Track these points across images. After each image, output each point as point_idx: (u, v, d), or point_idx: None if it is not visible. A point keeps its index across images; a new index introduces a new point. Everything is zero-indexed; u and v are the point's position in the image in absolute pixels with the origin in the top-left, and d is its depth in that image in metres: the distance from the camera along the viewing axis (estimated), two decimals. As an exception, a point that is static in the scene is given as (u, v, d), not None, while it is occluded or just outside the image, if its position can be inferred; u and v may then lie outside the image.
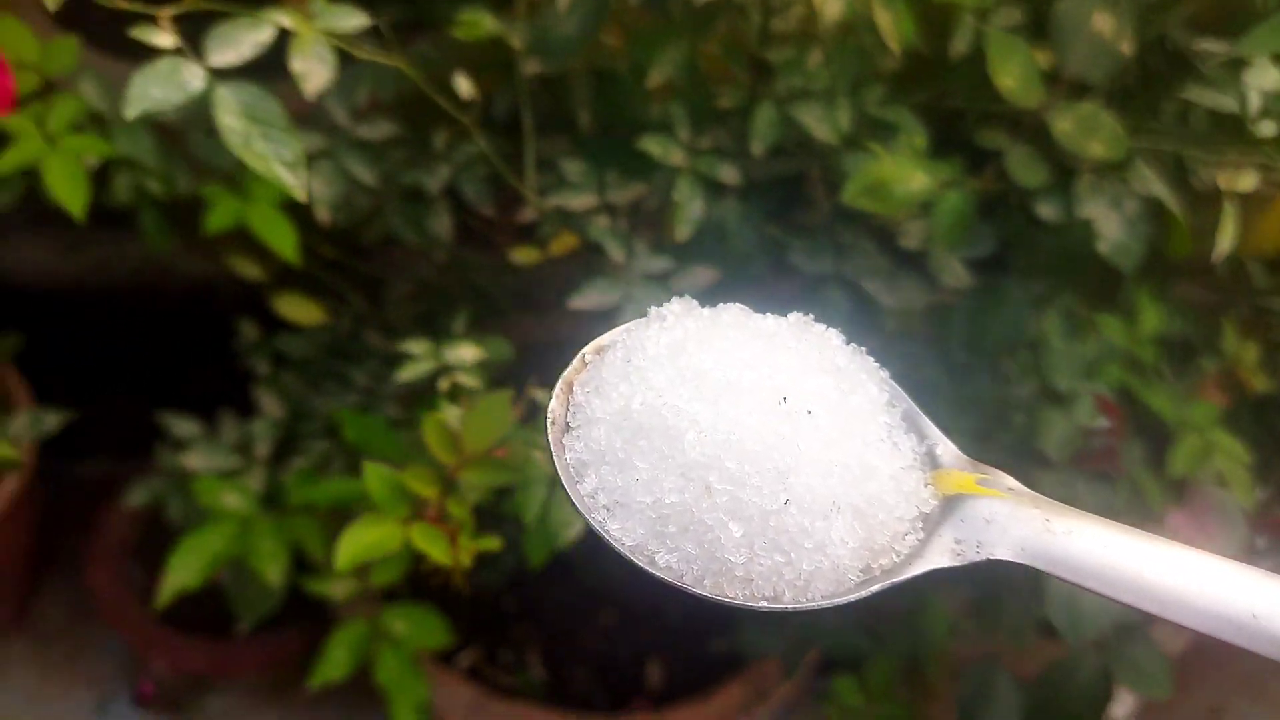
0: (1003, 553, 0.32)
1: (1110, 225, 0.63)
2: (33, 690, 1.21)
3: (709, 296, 0.40)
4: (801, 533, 0.33)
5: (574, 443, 0.36)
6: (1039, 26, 0.67)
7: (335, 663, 0.71)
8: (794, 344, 0.37)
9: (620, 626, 1.19)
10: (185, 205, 0.80)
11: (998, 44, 0.63)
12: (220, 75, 0.52)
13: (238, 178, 0.79)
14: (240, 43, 0.50)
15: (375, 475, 0.49)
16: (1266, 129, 0.58)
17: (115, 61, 0.84)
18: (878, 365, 0.38)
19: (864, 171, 0.63)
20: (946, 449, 0.37)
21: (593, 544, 0.36)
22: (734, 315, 0.38)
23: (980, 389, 0.69)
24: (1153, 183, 0.64)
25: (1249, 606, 0.29)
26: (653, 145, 0.69)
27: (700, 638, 1.15)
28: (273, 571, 0.72)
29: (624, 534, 0.34)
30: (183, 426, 0.86)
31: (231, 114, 0.49)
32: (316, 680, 0.72)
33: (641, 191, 0.71)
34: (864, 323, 0.74)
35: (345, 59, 0.56)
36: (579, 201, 0.71)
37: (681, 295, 0.39)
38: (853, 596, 0.34)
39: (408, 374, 0.61)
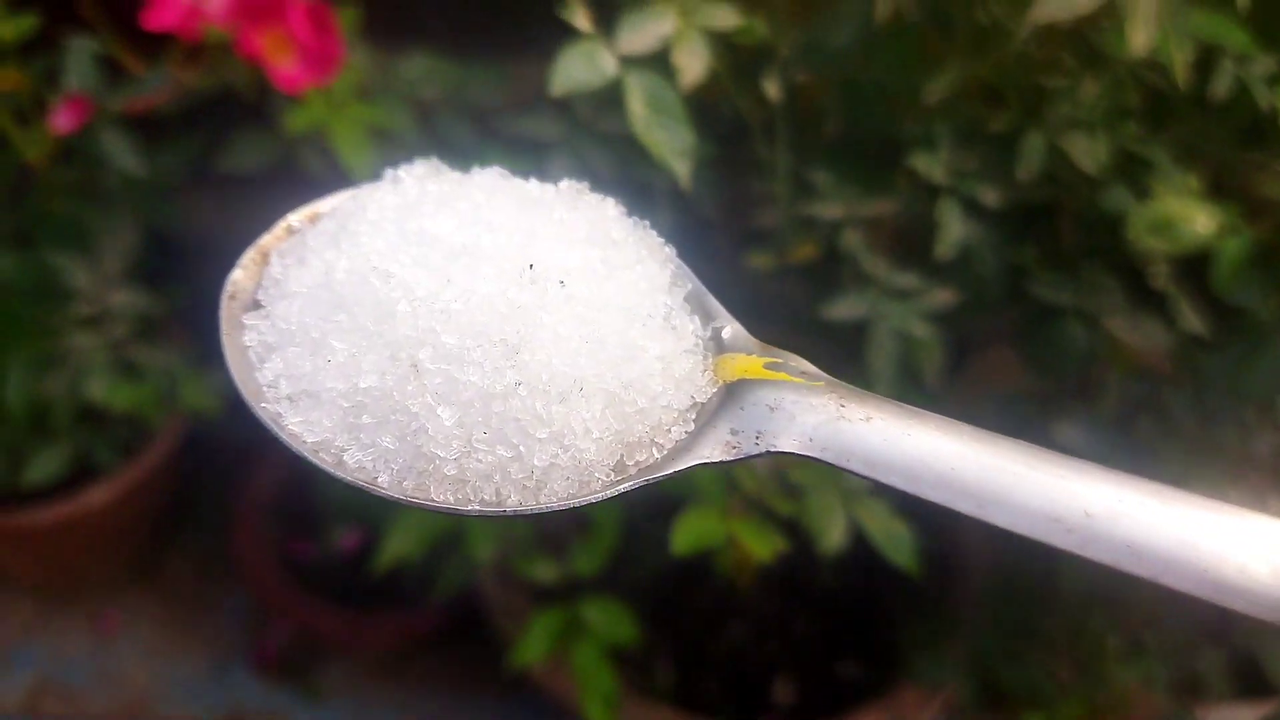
0: (787, 443, 0.28)
1: None
2: (154, 646, 1.22)
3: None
4: (534, 420, 0.28)
5: (258, 322, 0.30)
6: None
7: (533, 647, 0.72)
8: (560, 213, 0.32)
9: (751, 639, 1.18)
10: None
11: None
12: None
13: (472, 159, 0.79)
14: (647, 32, 0.51)
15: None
16: None
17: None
18: (663, 242, 0.34)
19: (1150, 208, 0.63)
20: (735, 331, 0.32)
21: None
22: (489, 178, 0.33)
23: (1225, 437, 0.68)
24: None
25: (1083, 505, 0.24)
26: (919, 161, 0.69)
27: (832, 657, 1.15)
28: (484, 550, 0.73)
29: (306, 429, 0.28)
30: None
31: (639, 101, 0.50)
32: (516, 660, 0.72)
33: (888, 207, 0.71)
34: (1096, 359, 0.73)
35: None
36: (830, 210, 0.71)
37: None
38: (595, 498, 0.28)
39: None
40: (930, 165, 0.69)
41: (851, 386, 0.29)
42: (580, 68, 0.49)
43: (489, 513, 0.28)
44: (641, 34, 0.51)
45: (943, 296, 0.72)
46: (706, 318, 0.33)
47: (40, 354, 0.81)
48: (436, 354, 0.27)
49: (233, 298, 0.30)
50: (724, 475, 0.48)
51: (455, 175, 0.33)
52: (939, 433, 0.26)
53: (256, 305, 0.31)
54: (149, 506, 1.17)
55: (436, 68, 0.76)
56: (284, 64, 0.58)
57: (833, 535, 0.58)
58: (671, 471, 0.29)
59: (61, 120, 0.68)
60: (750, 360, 0.31)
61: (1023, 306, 0.74)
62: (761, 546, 0.48)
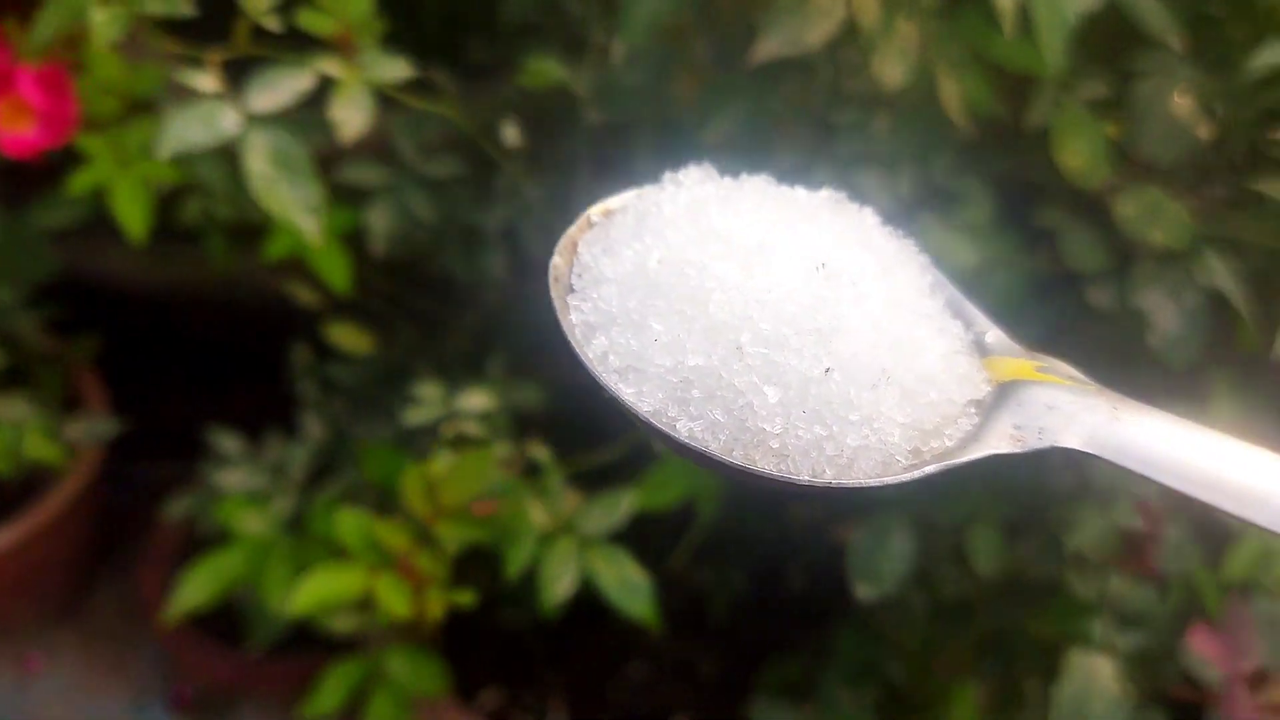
0: (1069, 440, 0.30)
1: (1165, 317, 0.60)
2: (74, 683, 1.23)
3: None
4: (846, 404, 0.30)
5: (580, 303, 0.33)
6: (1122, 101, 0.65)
7: (327, 697, 0.71)
8: (827, 218, 0.34)
9: (649, 681, 1.17)
10: (254, 228, 0.82)
11: (1065, 120, 0.61)
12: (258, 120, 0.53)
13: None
14: (280, 88, 0.51)
15: (349, 521, 0.49)
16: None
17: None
18: (918, 249, 0.36)
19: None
20: (997, 336, 0.35)
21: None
22: (759, 183, 0.36)
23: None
24: (1219, 275, 0.61)
25: None
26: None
27: (733, 699, 1.13)
28: (278, 599, 0.72)
29: (640, 399, 0.31)
30: (226, 442, 0.88)
31: (261, 158, 0.50)
32: (308, 712, 0.72)
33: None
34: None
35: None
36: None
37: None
38: (905, 477, 0.30)
39: (414, 419, 0.61)
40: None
41: (1116, 393, 0.31)
42: (194, 128, 0.50)
43: (815, 484, 0.30)
44: (274, 91, 0.52)
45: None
46: (966, 323, 0.35)
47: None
48: (756, 338, 0.30)
49: (556, 280, 0.33)
50: (369, 535, 0.47)
51: (727, 180, 0.35)
52: (1206, 437, 0.28)
53: (571, 289, 0.33)
54: (62, 547, 1.20)
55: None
56: (17, 130, 0.60)
57: (560, 586, 0.57)
58: (967, 459, 0.30)
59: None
60: (1020, 363, 0.33)
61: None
62: (402, 606, 0.47)
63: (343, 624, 0.75)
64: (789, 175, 0.70)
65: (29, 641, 1.24)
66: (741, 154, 0.70)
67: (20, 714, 1.19)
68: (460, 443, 0.60)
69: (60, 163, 0.76)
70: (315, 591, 0.47)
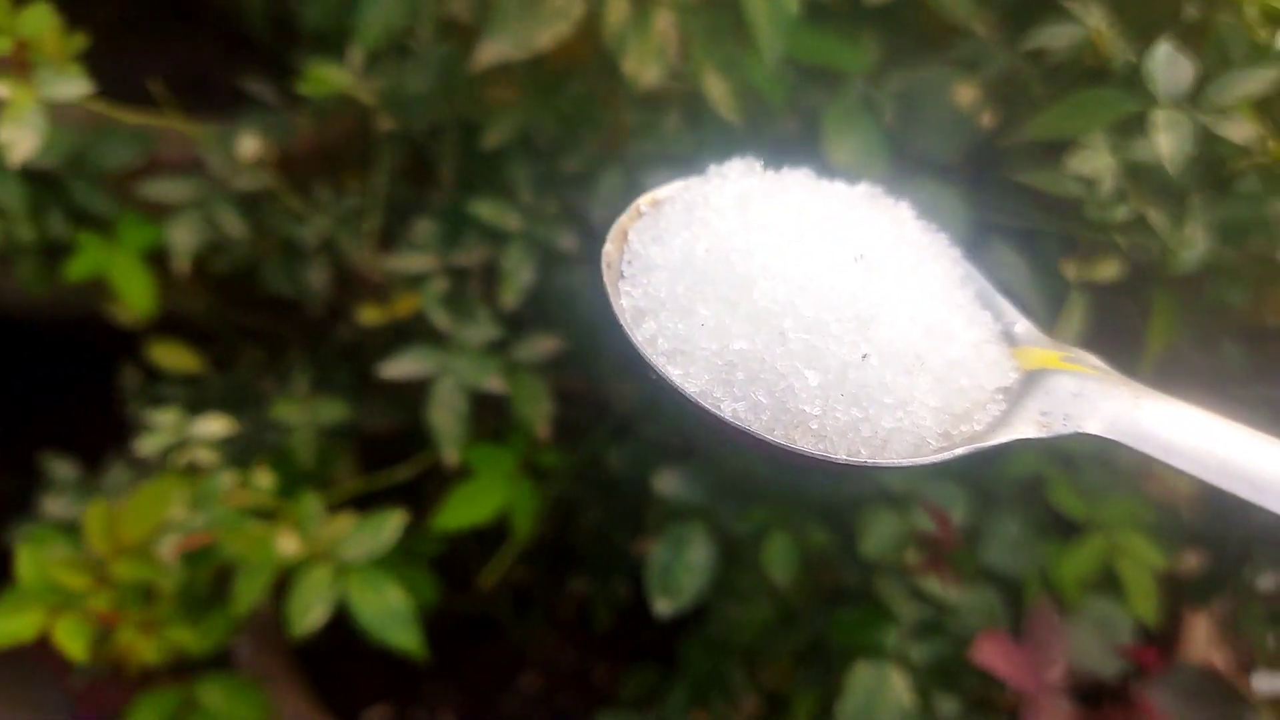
0: (1092, 426, 0.31)
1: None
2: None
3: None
4: (881, 388, 0.31)
5: (630, 289, 0.35)
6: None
7: (140, 729, 0.69)
8: (864, 211, 0.36)
9: (542, 692, 1.15)
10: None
11: (835, 112, 0.59)
12: None
13: (112, 225, 0.79)
14: None
15: (28, 559, 0.46)
16: (1119, 214, 0.53)
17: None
18: (950, 242, 0.37)
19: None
20: (1024, 327, 0.36)
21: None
22: (801, 176, 0.37)
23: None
24: (1008, 267, 0.59)
25: None
26: (484, 208, 0.66)
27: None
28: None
29: (686, 380, 0.33)
30: (59, 467, 0.86)
31: None
32: (116, 746, 0.70)
33: (486, 255, 0.68)
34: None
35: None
36: (416, 263, 0.69)
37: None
38: (936, 458, 0.32)
39: (146, 448, 0.59)
40: (500, 211, 0.66)
41: (1138, 384, 0.32)
42: None
43: (852, 462, 0.31)
44: None
45: (546, 345, 0.69)
46: (996, 314, 0.36)
47: None
48: (798, 324, 0.31)
49: (608, 267, 0.35)
50: (47, 573, 0.45)
51: (770, 173, 0.37)
52: (1224, 427, 0.30)
53: (622, 275, 0.35)
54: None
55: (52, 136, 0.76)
56: None
57: (311, 617, 0.55)
58: (995, 443, 0.32)
59: None
60: (1047, 352, 0.34)
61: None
62: (79, 649, 0.45)
63: (149, 655, 0.73)
64: (577, 181, 0.68)
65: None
66: (532, 158, 0.68)
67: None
68: (190, 471, 0.58)
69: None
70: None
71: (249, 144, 0.67)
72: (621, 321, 0.34)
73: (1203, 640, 1.10)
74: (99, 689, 1.06)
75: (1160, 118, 0.44)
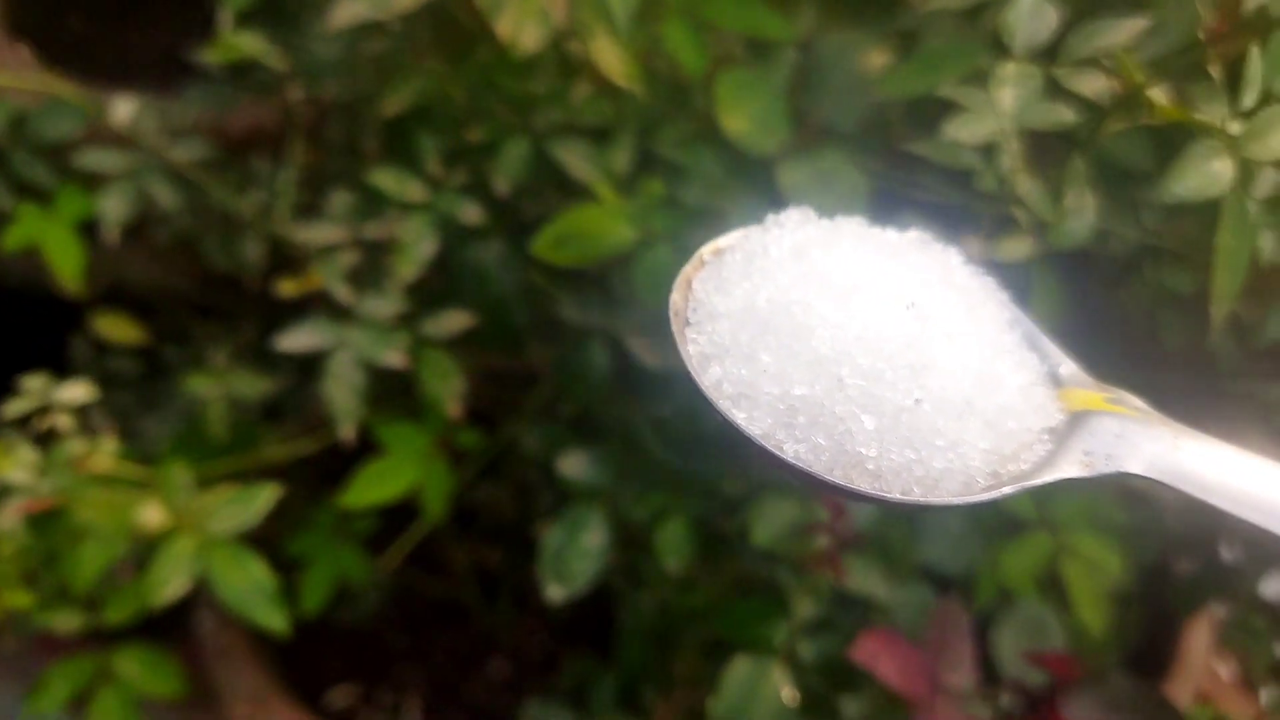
0: (1134, 466, 0.32)
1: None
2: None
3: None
4: (934, 431, 0.33)
5: (696, 335, 0.36)
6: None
7: (50, 696, 0.69)
8: (915, 258, 0.37)
9: (510, 678, 1.14)
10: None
11: (730, 80, 0.56)
12: None
13: (50, 196, 0.79)
14: None
15: None
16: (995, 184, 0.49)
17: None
18: (997, 286, 0.38)
19: (562, 220, 0.57)
20: (1070, 369, 0.37)
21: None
22: (854, 226, 0.38)
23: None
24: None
25: None
26: (384, 179, 0.64)
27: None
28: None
29: (751, 423, 0.34)
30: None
31: None
32: (29, 711, 0.70)
33: (391, 229, 0.66)
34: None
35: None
36: (325, 235, 0.67)
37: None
38: (984, 497, 0.33)
39: (11, 411, 0.58)
40: (401, 182, 0.64)
41: (1179, 424, 0.33)
42: None
43: (906, 501, 0.33)
44: None
45: (456, 320, 0.67)
46: (1042, 356, 0.37)
47: None
48: (855, 371, 0.33)
49: (676, 315, 0.37)
50: None
51: (825, 222, 0.38)
52: (1261, 465, 0.31)
53: (688, 323, 0.37)
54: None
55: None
56: None
57: (169, 589, 0.54)
58: (1041, 481, 0.33)
59: None
60: (1091, 394, 0.36)
61: (555, 330, 0.68)
62: None
63: (64, 623, 0.73)
64: (483, 152, 0.66)
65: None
66: (436, 131, 0.67)
67: None
68: (49, 436, 0.57)
69: None
70: None
71: (124, 109, 0.66)
72: (689, 367, 0.35)
73: (1203, 650, 1.04)
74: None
75: (1008, 71, 0.40)
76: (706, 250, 0.39)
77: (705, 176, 0.62)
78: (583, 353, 0.67)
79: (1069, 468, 0.33)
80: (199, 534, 0.55)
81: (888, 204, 0.57)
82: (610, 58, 0.57)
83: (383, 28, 0.66)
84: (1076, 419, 0.35)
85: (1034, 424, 0.35)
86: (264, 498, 0.57)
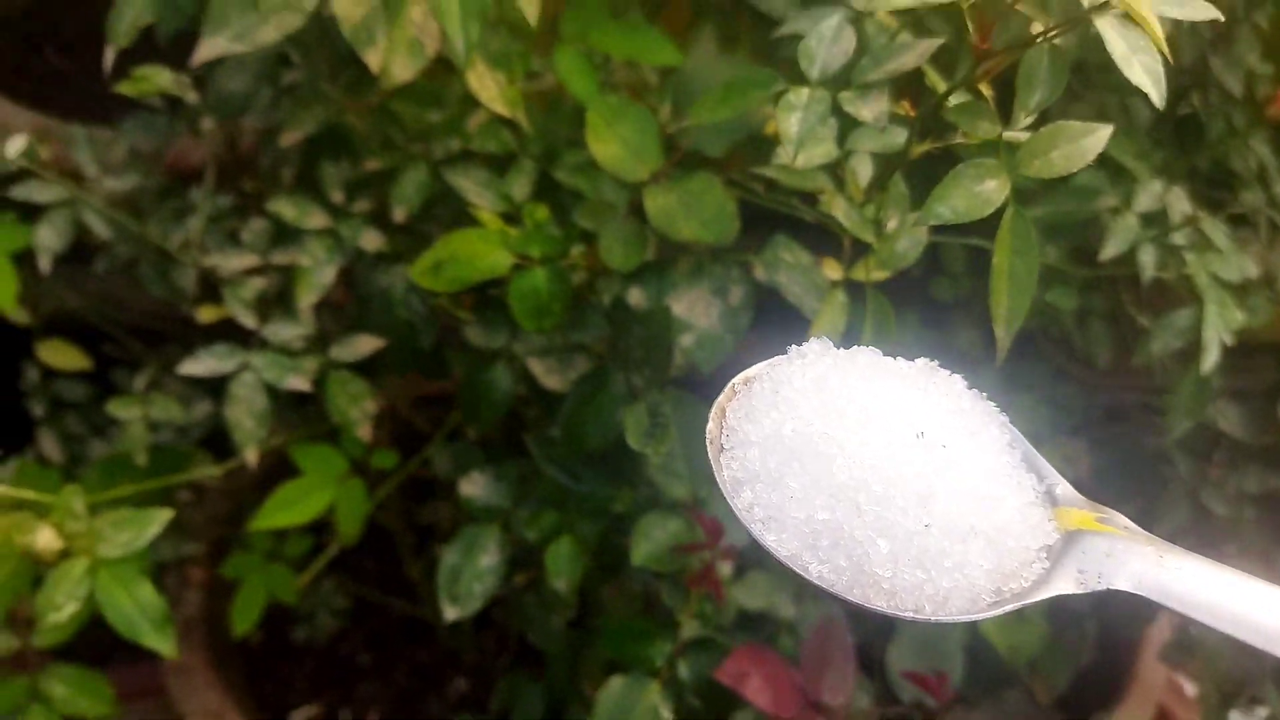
0: (1122, 583, 0.35)
1: (701, 315, 0.55)
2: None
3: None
4: (941, 553, 0.36)
5: (730, 462, 0.39)
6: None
7: (-25, 717, 0.71)
8: (923, 385, 0.40)
9: (469, 696, 1.14)
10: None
11: (601, 106, 0.57)
12: None
13: (-7, 223, 0.82)
14: None
15: None
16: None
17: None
18: (998, 409, 0.41)
19: (440, 245, 0.58)
20: (1065, 489, 0.40)
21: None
22: (868, 356, 0.41)
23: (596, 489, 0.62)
24: (785, 265, 0.56)
25: None
26: (284, 207, 0.66)
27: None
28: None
29: (779, 544, 0.37)
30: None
31: None
32: (-47, 730, 0.72)
33: (296, 255, 0.68)
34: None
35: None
36: (234, 263, 0.69)
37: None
38: (989, 614, 0.37)
39: None
40: (303, 210, 0.66)
41: (1165, 542, 0.36)
42: None
43: (918, 618, 0.36)
44: None
45: (366, 344, 0.69)
46: (1039, 475, 0.40)
47: None
48: (870, 498, 0.36)
49: (711, 443, 0.40)
50: None
51: (840, 352, 0.41)
52: (1235, 582, 0.34)
53: (723, 449, 0.40)
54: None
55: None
56: None
57: (63, 614, 0.55)
58: (1040, 598, 0.36)
59: None
60: (1083, 514, 0.39)
61: (463, 353, 0.69)
62: None
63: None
64: (384, 179, 0.67)
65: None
66: (339, 159, 0.68)
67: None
68: None
69: None
70: None
71: (17, 144, 0.68)
72: (725, 493, 0.39)
73: (1162, 667, 1.03)
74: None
75: (800, 96, 0.41)
76: (738, 380, 0.42)
77: (598, 202, 0.63)
78: (487, 374, 0.68)
79: (1064, 585, 0.36)
80: (89, 557, 0.57)
81: (757, 223, 0.57)
82: (489, 87, 0.58)
83: (287, 59, 0.68)
84: (1070, 538, 0.38)
85: (1031, 543, 0.38)
86: (157, 521, 0.58)
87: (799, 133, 0.40)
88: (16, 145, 0.67)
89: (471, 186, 0.66)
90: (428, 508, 1.06)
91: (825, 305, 0.51)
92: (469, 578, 0.63)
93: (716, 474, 0.39)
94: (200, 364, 0.65)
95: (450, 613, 0.63)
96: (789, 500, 0.37)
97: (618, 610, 0.68)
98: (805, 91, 0.41)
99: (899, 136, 0.45)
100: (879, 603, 0.37)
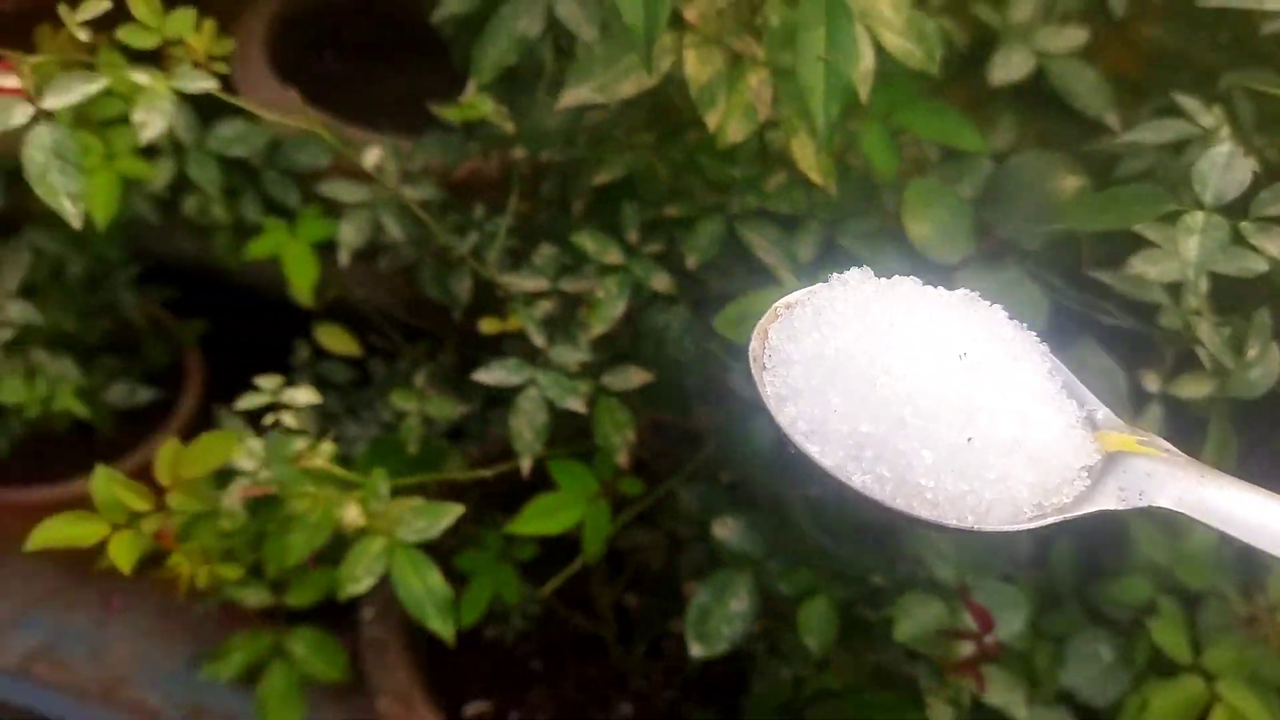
0: (1163, 500, 0.36)
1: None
2: (144, 632, 1.36)
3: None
4: (984, 466, 0.37)
5: (772, 379, 0.41)
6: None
7: (230, 663, 0.77)
8: (963, 313, 0.41)
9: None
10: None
11: (916, 190, 0.58)
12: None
13: (295, 215, 0.89)
14: (71, 91, 0.58)
15: (103, 478, 0.54)
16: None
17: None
18: (1038, 339, 0.42)
19: (745, 301, 0.60)
20: (1105, 414, 0.41)
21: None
22: (909, 284, 0.43)
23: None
24: (1092, 369, 0.56)
25: None
26: (586, 241, 0.70)
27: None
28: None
29: (823, 456, 0.39)
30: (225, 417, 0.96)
31: (38, 149, 0.57)
32: (208, 674, 0.78)
33: (588, 285, 0.72)
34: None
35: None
36: (529, 284, 0.73)
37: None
38: (1031, 525, 0.37)
39: (247, 404, 0.67)
40: (602, 245, 0.70)
41: (1203, 464, 0.37)
42: (-5, 119, 0.57)
43: (961, 527, 0.37)
44: (66, 93, 0.58)
45: (636, 376, 0.72)
46: (1080, 402, 0.42)
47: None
48: (915, 413, 0.38)
49: (754, 360, 0.42)
50: (114, 493, 0.53)
51: (883, 280, 0.43)
52: (1273, 501, 0.35)
53: (764, 368, 0.42)
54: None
55: (248, 131, 0.87)
56: None
57: (359, 585, 0.60)
58: (1083, 512, 0.38)
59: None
60: (1124, 437, 0.40)
61: (726, 397, 0.72)
62: (123, 560, 0.53)
63: (255, 599, 0.81)
64: (679, 225, 0.71)
65: (113, 585, 1.39)
66: (639, 202, 0.72)
67: (91, 651, 1.34)
68: (276, 429, 0.65)
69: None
70: (50, 534, 0.54)
71: (373, 154, 0.74)
72: (768, 406, 0.40)
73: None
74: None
75: (1196, 220, 0.41)
76: (780, 304, 0.43)
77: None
78: (748, 424, 0.70)
79: (1106, 501, 0.37)
80: (388, 538, 0.61)
81: (1068, 324, 0.58)
82: (808, 155, 0.61)
83: (604, 105, 0.72)
84: (1111, 459, 0.38)
85: (1073, 462, 0.38)
86: (450, 514, 0.62)
87: (1198, 256, 0.40)
88: (373, 156, 0.74)
89: (762, 243, 0.69)
90: (623, 534, 1.09)
91: (1141, 416, 0.51)
92: (718, 620, 0.66)
93: (759, 390, 0.40)
94: (492, 374, 0.70)
95: (696, 650, 0.66)
96: (832, 414, 0.38)
97: (846, 675, 0.68)
98: (1201, 215, 0.42)
99: (1259, 263, 0.45)
100: (922, 512, 0.37)
